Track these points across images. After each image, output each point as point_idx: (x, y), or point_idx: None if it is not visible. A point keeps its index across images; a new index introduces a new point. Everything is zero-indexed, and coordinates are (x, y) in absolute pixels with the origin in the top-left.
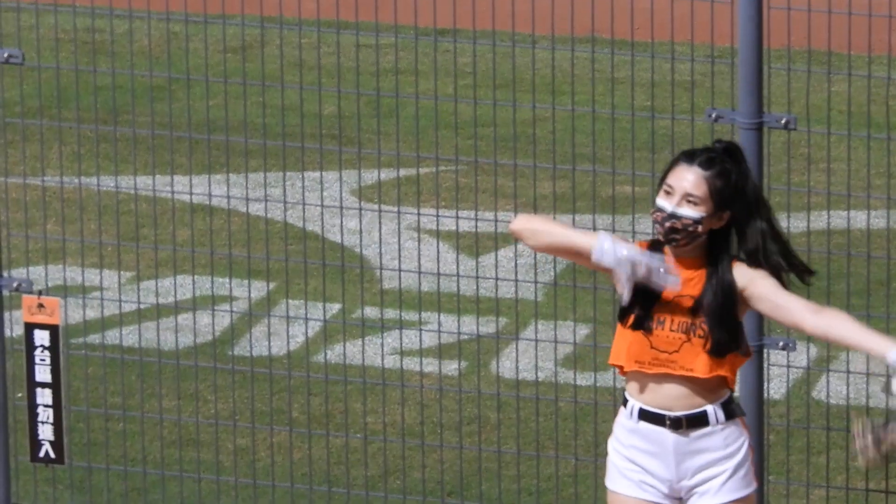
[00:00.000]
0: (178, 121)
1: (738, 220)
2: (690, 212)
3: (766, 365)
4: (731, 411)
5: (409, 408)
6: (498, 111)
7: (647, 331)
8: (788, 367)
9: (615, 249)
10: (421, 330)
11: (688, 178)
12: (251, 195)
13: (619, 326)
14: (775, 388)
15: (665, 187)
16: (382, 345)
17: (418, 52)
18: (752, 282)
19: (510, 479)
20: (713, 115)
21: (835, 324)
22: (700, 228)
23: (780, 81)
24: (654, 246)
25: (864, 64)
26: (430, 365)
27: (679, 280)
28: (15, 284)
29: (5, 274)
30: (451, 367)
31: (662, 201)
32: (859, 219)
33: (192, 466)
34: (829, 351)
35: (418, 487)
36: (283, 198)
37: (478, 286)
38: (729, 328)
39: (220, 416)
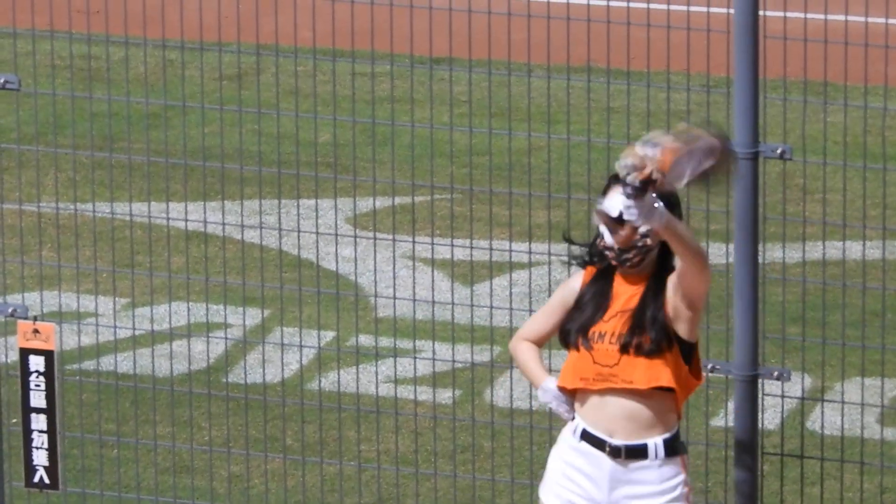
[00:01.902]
0: (173, 148)
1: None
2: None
3: (760, 395)
4: (672, 448)
5: (404, 436)
6: (493, 140)
7: (587, 347)
8: (783, 397)
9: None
10: (415, 358)
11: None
12: (246, 222)
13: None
14: (769, 419)
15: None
16: (377, 373)
17: (414, 81)
18: (675, 276)
19: None
20: None
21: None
22: (649, 241)
23: (775, 112)
24: (606, 270)
25: (860, 94)
26: (425, 393)
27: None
28: (10, 310)
29: (0, 299)
30: (446, 395)
31: (603, 227)
32: (855, 249)
33: (187, 493)
34: (824, 382)
35: None
36: (278, 225)
37: (472, 314)
38: (658, 331)
39: (214, 443)
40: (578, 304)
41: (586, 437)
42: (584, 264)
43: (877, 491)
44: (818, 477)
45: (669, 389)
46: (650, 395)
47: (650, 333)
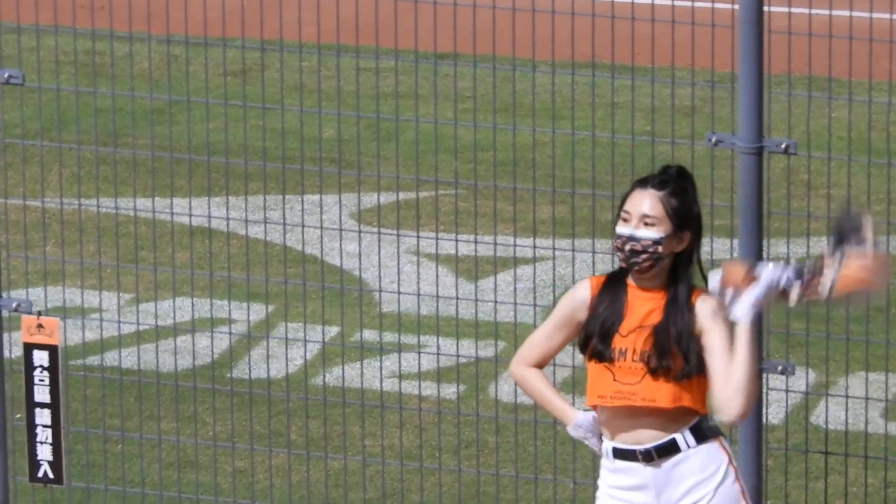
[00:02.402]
0: (177, 143)
1: (697, 243)
2: (649, 233)
3: (765, 389)
4: (702, 434)
5: (408, 431)
6: (498, 135)
7: (609, 362)
8: (787, 391)
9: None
10: (419, 353)
11: (643, 201)
12: (250, 218)
13: (588, 364)
14: (774, 413)
15: (622, 214)
16: (381, 368)
17: (418, 76)
18: (708, 329)
19: (508, 503)
20: (713, 140)
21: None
22: (661, 249)
23: (780, 107)
24: (614, 278)
25: (864, 90)
26: (429, 388)
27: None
28: (14, 305)
29: (4, 295)
30: (450, 390)
31: (621, 228)
32: None
33: (191, 488)
34: (828, 376)
35: None
36: (282, 220)
37: (476, 310)
38: (690, 354)
39: (218, 439)
40: (594, 313)
41: (618, 454)
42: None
43: (881, 485)
44: (822, 471)
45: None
46: (671, 410)
47: (679, 356)
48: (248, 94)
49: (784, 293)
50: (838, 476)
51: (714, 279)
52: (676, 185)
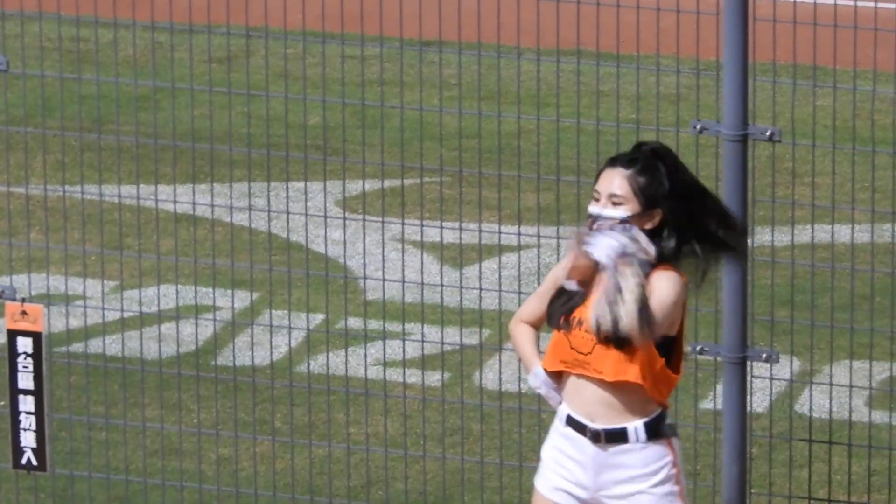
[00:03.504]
0: (162, 130)
1: (673, 220)
2: (615, 212)
3: (749, 377)
4: (655, 431)
5: (392, 418)
6: (483, 123)
7: (567, 330)
8: (771, 379)
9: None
10: (404, 341)
11: (612, 180)
12: (235, 205)
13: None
14: (758, 401)
15: (594, 194)
16: (366, 355)
17: (403, 64)
18: (650, 286)
19: (493, 491)
20: (698, 128)
21: None
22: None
23: (765, 95)
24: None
25: (849, 78)
26: (414, 376)
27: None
28: None
29: None
30: (435, 378)
31: (591, 207)
32: (843, 233)
33: (175, 476)
34: (813, 365)
35: (401, 498)
36: (267, 208)
37: (461, 297)
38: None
39: (202, 426)
40: (562, 286)
41: (570, 422)
42: None
43: (865, 473)
44: (806, 460)
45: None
46: (620, 387)
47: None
48: (233, 80)
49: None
50: (822, 464)
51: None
52: (646, 162)
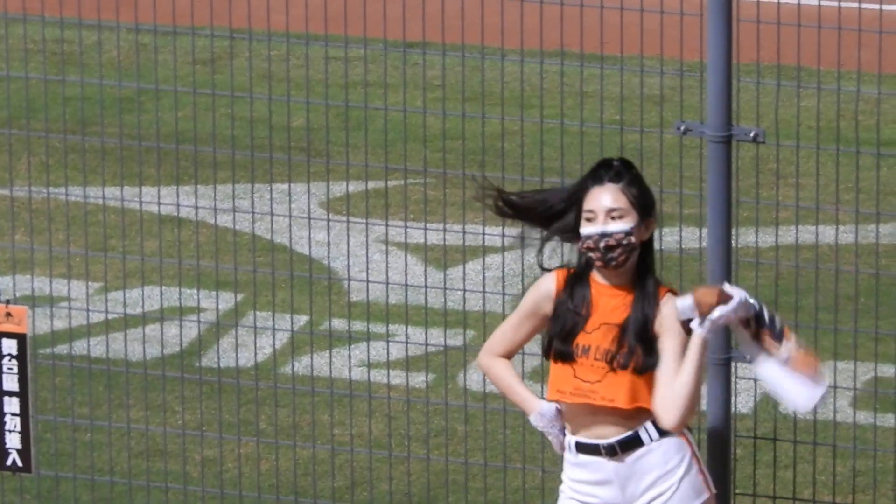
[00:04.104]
0: (146, 132)
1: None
2: (619, 225)
3: (733, 378)
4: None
5: (377, 420)
6: (467, 124)
7: (570, 360)
8: (756, 380)
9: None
10: (388, 342)
11: (605, 197)
12: (219, 207)
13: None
14: (742, 402)
15: (586, 214)
16: (350, 357)
17: (387, 65)
18: (667, 331)
19: (477, 492)
20: (682, 128)
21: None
22: (633, 239)
23: (748, 96)
24: (578, 275)
25: (833, 79)
26: (398, 377)
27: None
28: None
29: None
30: (419, 379)
31: (589, 228)
32: (828, 233)
33: (160, 477)
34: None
35: (385, 499)
36: (251, 209)
37: (445, 298)
38: (651, 350)
39: (187, 427)
40: (558, 311)
41: (581, 448)
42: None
43: (849, 474)
44: (791, 460)
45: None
46: (630, 411)
47: (639, 353)
48: (217, 82)
49: (747, 323)
50: (807, 465)
51: (685, 302)
52: (630, 174)
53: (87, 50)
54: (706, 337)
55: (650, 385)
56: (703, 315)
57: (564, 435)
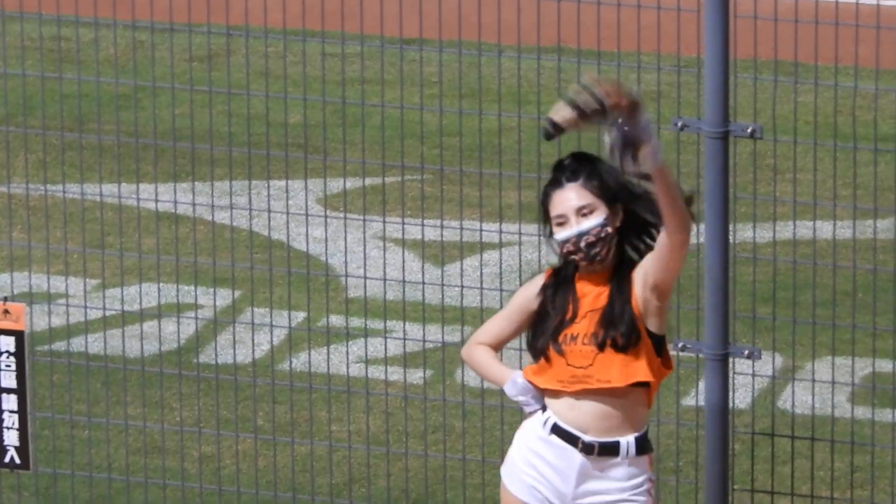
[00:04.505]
0: (143, 129)
1: (631, 208)
2: (593, 220)
3: (731, 374)
4: (642, 447)
5: (374, 416)
6: (464, 120)
7: (559, 351)
8: (753, 375)
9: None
10: (386, 338)
11: (569, 197)
12: (217, 203)
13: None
14: (741, 398)
15: (556, 220)
16: (347, 353)
17: (384, 62)
18: (640, 265)
19: (475, 488)
20: (679, 125)
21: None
22: (609, 230)
23: (746, 92)
24: (562, 274)
25: (830, 74)
26: (396, 373)
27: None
28: None
29: None
30: (417, 375)
31: (563, 233)
32: (825, 229)
33: (158, 474)
34: (795, 361)
35: (383, 495)
36: (248, 206)
37: (443, 295)
38: (628, 324)
39: (185, 424)
40: (542, 312)
41: (557, 430)
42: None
43: (847, 470)
44: (789, 456)
45: (645, 384)
46: (626, 393)
47: (621, 328)
48: (214, 79)
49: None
50: (805, 460)
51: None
52: (585, 168)
53: (84, 47)
54: (658, 164)
55: (642, 360)
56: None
57: (543, 408)
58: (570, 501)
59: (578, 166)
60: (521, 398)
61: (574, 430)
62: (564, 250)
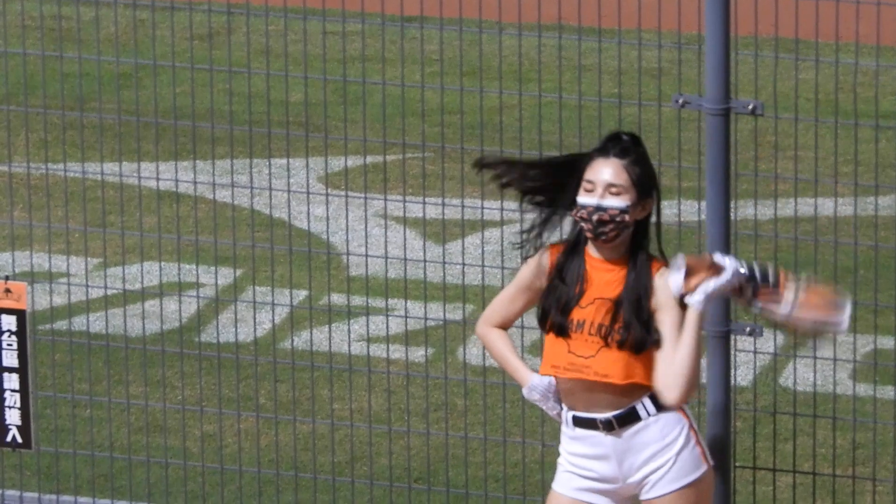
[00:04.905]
0: (144, 108)
1: (657, 209)
2: (615, 202)
3: (732, 351)
4: (660, 403)
5: (376, 394)
6: (465, 98)
7: (565, 335)
8: (755, 353)
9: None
10: (388, 316)
11: (607, 170)
12: (218, 182)
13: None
14: (742, 375)
15: (585, 184)
16: (349, 331)
17: (385, 40)
18: (662, 306)
19: (477, 466)
20: (680, 102)
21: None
22: (627, 218)
23: (747, 69)
24: (573, 247)
25: (831, 51)
26: (397, 351)
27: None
28: None
29: None
30: (418, 353)
31: (585, 198)
32: (827, 206)
33: (160, 452)
34: (797, 338)
35: (385, 474)
36: (249, 184)
37: (444, 273)
38: (649, 329)
39: (187, 403)
40: (553, 284)
41: (578, 422)
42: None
43: (849, 447)
44: (791, 433)
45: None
46: (623, 388)
47: (636, 330)
48: (215, 57)
49: (740, 290)
50: (807, 437)
51: (676, 272)
52: (637, 152)
53: (84, 26)
54: (702, 310)
55: (645, 361)
56: (695, 288)
57: (561, 407)
58: (625, 483)
59: (631, 147)
60: (543, 402)
61: (588, 414)
62: (578, 215)
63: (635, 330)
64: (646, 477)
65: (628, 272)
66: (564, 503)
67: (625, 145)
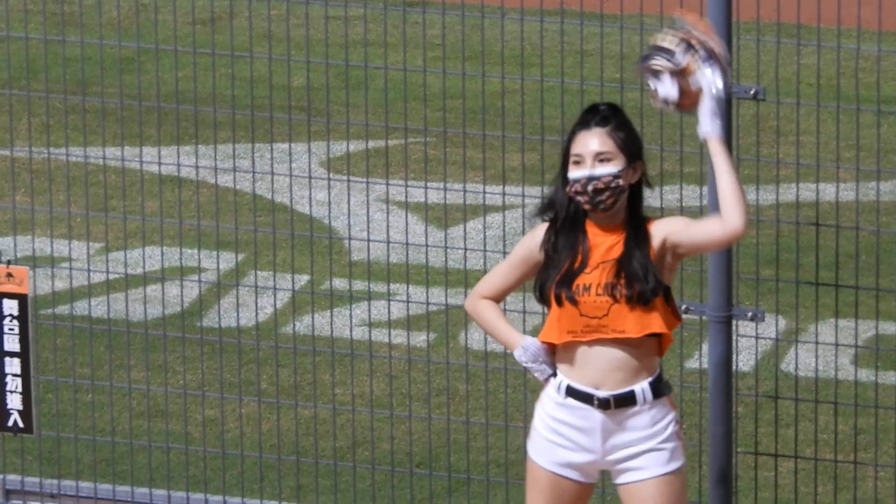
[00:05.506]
0: (146, 92)
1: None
2: (607, 168)
3: (734, 336)
4: (658, 390)
5: (378, 379)
6: (467, 83)
7: (572, 301)
8: (757, 338)
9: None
10: (389, 301)
11: (592, 140)
12: (220, 166)
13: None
14: (744, 360)
15: (573, 159)
16: (351, 316)
17: (387, 24)
18: (667, 226)
19: (478, 451)
20: None
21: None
22: (622, 182)
23: (749, 54)
24: (569, 223)
25: (833, 37)
26: (399, 336)
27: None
28: None
29: None
30: (420, 338)
31: (576, 172)
32: (828, 191)
33: (161, 437)
34: (798, 323)
35: (387, 458)
36: (251, 169)
37: (446, 257)
38: (652, 280)
39: (188, 387)
40: (550, 255)
41: (571, 392)
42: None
43: (851, 432)
44: (793, 418)
45: (658, 334)
46: (640, 343)
47: (642, 283)
48: (217, 42)
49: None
50: (808, 423)
51: (667, 83)
52: (617, 118)
53: (86, 10)
54: (719, 134)
55: (655, 310)
56: (691, 108)
57: (554, 372)
58: (600, 459)
59: (611, 114)
60: (532, 365)
61: (587, 389)
62: (573, 190)
63: (640, 282)
64: (625, 460)
65: (628, 234)
66: (543, 477)
67: (604, 114)
